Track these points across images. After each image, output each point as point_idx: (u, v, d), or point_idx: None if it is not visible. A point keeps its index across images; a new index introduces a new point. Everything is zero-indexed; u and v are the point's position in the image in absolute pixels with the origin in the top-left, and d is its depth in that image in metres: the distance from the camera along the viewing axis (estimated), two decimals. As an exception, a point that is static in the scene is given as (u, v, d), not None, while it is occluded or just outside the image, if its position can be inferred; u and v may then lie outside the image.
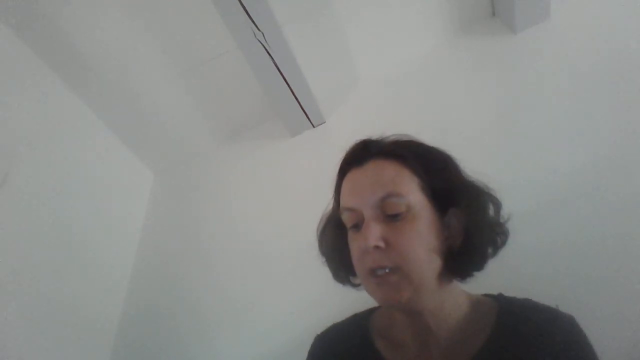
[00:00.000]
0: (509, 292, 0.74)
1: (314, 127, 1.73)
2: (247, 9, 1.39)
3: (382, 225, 0.64)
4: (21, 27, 1.50)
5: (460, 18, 1.74)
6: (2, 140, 1.36)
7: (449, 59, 1.70)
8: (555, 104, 1.34)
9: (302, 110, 1.67)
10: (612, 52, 1.37)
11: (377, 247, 0.63)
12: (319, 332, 0.81)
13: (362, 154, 0.71)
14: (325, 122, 1.74)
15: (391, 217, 0.64)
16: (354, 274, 0.74)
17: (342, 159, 0.73)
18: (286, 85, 1.58)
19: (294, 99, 1.63)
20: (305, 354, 0.79)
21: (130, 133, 1.82)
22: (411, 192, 0.65)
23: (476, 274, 0.69)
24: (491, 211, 0.70)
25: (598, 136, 1.19)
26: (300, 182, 1.54)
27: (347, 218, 0.69)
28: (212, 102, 1.81)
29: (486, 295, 0.74)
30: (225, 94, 1.79)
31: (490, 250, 0.69)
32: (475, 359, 0.64)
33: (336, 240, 0.74)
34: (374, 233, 0.63)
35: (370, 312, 0.78)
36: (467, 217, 0.66)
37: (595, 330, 0.67)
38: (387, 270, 0.62)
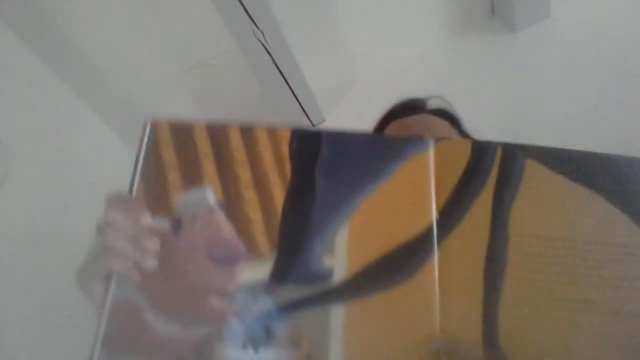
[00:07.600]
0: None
1: (313, 125, 1.73)
2: (247, 7, 1.38)
3: None
4: (20, 26, 1.49)
5: (459, 17, 1.74)
6: (1, 140, 1.35)
7: (448, 57, 1.70)
8: (556, 103, 1.34)
9: (301, 109, 1.67)
10: (614, 51, 1.37)
11: None
12: None
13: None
14: (325, 120, 1.73)
15: None
16: None
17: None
18: (285, 84, 1.58)
19: (294, 97, 1.62)
20: None
21: (131, 134, 1.81)
22: None
23: None
24: None
25: (600, 136, 1.19)
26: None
27: None
28: (212, 100, 1.81)
29: None
30: (224, 92, 1.78)
31: None
32: None
33: None
34: None
35: None
36: None
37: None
38: None
